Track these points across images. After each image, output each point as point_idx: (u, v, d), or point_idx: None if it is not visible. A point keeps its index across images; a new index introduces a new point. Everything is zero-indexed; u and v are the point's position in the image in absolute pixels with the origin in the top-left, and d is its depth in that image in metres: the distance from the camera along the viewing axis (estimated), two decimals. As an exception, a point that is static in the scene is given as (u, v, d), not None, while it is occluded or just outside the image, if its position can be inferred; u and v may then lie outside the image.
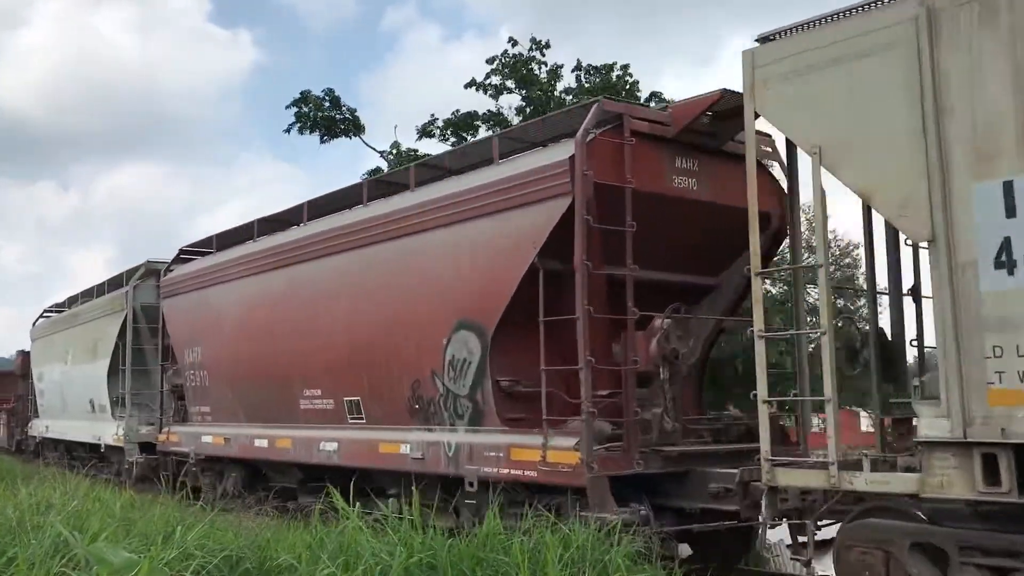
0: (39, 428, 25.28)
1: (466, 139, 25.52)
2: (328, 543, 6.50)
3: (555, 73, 26.01)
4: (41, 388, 25.02)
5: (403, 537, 6.45)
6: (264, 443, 12.69)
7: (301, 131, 26.84)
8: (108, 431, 18.28)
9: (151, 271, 17.63)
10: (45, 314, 25.91)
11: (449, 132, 26.60)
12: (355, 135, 27.28)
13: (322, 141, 27.22)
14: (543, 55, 26.00)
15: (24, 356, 29.79)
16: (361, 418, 10.93)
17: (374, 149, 27.69)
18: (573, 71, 26.05)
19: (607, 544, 6.64)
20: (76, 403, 20.88)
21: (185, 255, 15.96)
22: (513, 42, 26.04)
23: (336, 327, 11.26)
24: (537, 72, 25.98)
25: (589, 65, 25.87)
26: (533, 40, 26.07)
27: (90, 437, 19.75)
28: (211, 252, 15.02)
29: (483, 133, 25.82)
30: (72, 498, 8.57)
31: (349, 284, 11.17)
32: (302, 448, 11.83)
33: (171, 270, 16.12)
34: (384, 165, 26.92)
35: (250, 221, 13.96)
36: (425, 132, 26.81)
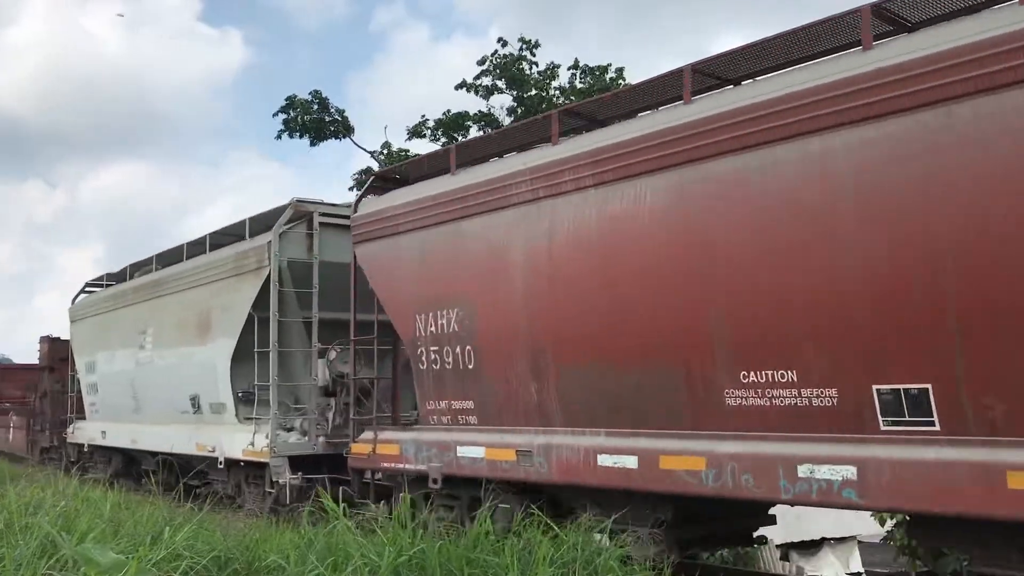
0: (87, 434, 19.64)
1: (456, 139, 25.51)
2: (316, 543, 6.50)
3: (550, 73, 25.98)
4: (92, 382, 19.21)
5: (392, 537, 6.45)
6: (684, 471, 7.26)
7: (291, 135, 26.76)
8: (234, 440, 13.18)
9: (301, 215, 12.83)
10: (88, 288, 20.54)
11: (440, 133, 26.60)
12: (345, 136, 27.23)
13: (312, 144, 27.17)
14: (533, 55, 26.00)
15: (53, 343, 24.45)
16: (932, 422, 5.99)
17: (364, 149, 27.68)
18: (569, 69, 26.02)
19: (597, 546, 6.66)
20: (164, 401, 15.64)
21: (381, 183, 11.66)
22: (503, 42, 26.03)
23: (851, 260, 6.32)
24: (528, 72, 25.95)
25: (585, 65, 25.86)
26: (522, 40, 26.06)
27: (192, 447, 14.45)
28: (435, 175, 10.36)
29: (474, 133, 25.81)
30: (60, 499, 8.54)
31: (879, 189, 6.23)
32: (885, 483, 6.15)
33: (366, 204, 11.19)
34: (375, 165, 26.89)
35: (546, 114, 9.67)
36: (416, 133, 26.79)
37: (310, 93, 26.64)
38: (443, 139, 26.20)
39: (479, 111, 26.51)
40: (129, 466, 18.38)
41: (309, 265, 12.51)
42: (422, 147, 27.03)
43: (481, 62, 26.03)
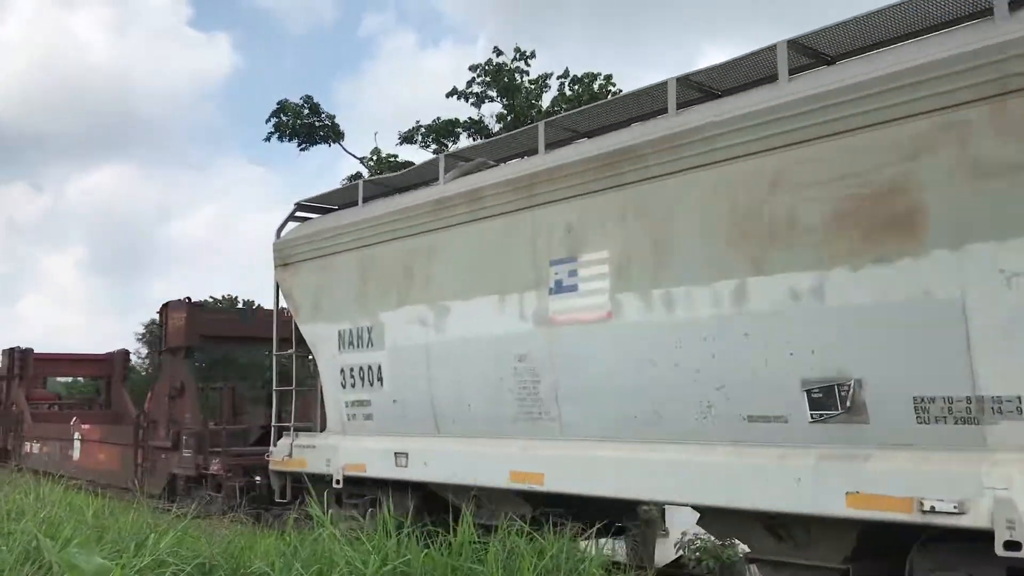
0: (347, 454, 10.25)
1: (447, 146, 25.59)
2: (302, 551, 6.49)
3: (542, 83, 26.09)
4: (373, 363, 10.02)
5: (377, 545, 6.45)
6: None
7: (281, 139, 26.77)
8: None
9: None
10: (299, 214, 11.87)
11: (431, 139, 26.67)
12: (335, 141, 27.25)
13: (301, 149, 27.17)
14: (527, 64, 26.10)
15: (192, 311, 16.08)
16: None
17: (354, 155, 27.71)
18: (557, 78, 26.14)
19: (581, 553, 6.68)
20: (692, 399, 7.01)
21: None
22: (498, 51, 26.12)
23: None
24: (519, 81, 26.03)
25: (574, 76, 25.97)
26: (517, 50, 26.16)
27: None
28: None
29: (464, 141, 25.90)
30: (44, 504, 8.49)
31: None
32: None
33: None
34: (364, 170, 26.92)
35: None
36: (408, 139, 26.83)
37: (301, 98, 26.71)
38: (433, 146, 26.33)
39: (469, 118, 26.62)
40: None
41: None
42: (413, 153, 27.18)
43: (473, 68, 26.14)
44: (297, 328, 11.37)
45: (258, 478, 13.55)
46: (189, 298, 16.35)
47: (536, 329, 8.07)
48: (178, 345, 16.27)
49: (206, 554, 6.43)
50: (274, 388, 12.16)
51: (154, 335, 16.91)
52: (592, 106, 8.89)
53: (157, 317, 18.23)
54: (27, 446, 22.85)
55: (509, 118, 25.63)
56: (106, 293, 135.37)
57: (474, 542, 6.69)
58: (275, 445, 11.47)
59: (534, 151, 8.72)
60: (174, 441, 15.73)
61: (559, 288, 7.87)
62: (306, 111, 26.52)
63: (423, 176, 10.37)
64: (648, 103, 7.97)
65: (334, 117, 26.97)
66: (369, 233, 10.15)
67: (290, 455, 11.07)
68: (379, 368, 9.86)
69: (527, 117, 24.40)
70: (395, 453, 9.48)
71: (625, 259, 7.35)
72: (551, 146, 8.53)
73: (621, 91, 25.22)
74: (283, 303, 11.70)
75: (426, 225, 9.34)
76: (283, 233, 11.76)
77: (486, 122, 26.47)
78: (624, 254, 7.37)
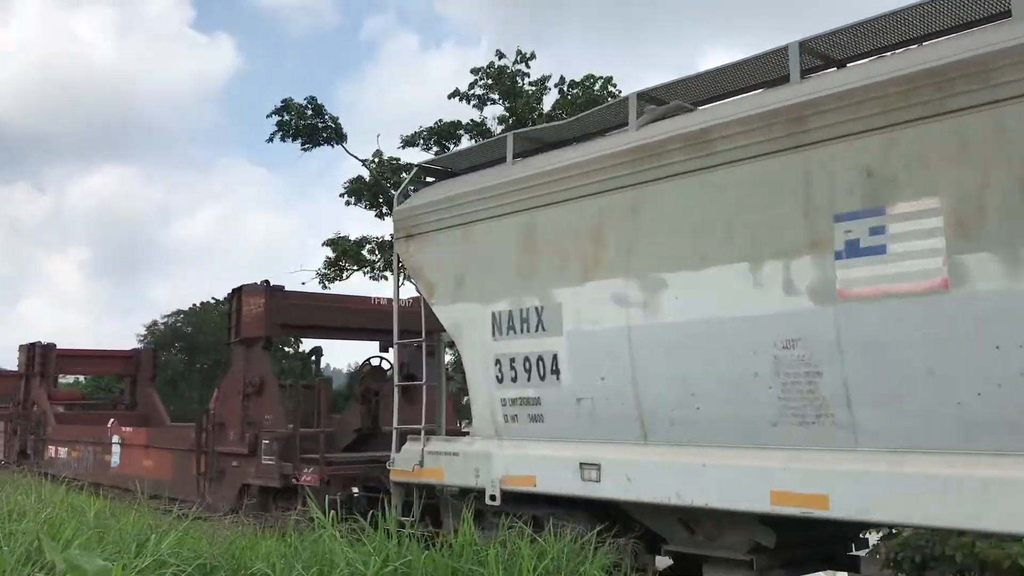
0: (505, 464, 8.44)
1: (448, 148, 25.64)
2: (302, 552, 6.50)
3: (540, 88, 26.18)
4: (545, 352, 8.13)
5: (378, 546, 6.46)
6: None
7: (283, 139, 26.79)
8: None
9: None
10: (429, 171, 10.50)
11: (432, 141, 26.73)
12: (337, 143, 27.28)
13: (304, 149, 27.20)
14: (528, 67, 26.19)
15: (272, 296, 13.80)
16: None
17: (356, 157, 27.73)
18: (556, 85, 26.21)
19: (583, 555, 6.68)
20: None
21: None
22: (500, 54, 26.19)
23: None
24: (520, 84, 26.12)
25: (572, 81, 26.07)
26: (519, 52, 26.23)
27: None
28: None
29: (465, 143, 25.92)
30: (46, 505, 8.50)
31: None
32: None
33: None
34: (366, 173, 26.96)
35: None
36: (410, 142, 26.89)
37: (305, 98, 26.76)
38: (435, 148, 26.40)
39: (471, 120, 26.69)
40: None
41: None
42: (415, 156, 27.20)
43: (475, 71, 26.21)
44: (426, 312, 9.61)
45: (355, 490, 11.72)
46: (267, 281, 14.07)
47: (814, 306, 6.17)
48: (255, 335, 13.79)
49: (207, 555, 6.44)
50: (396, 383, 10.13)
51: (226, 322, 15.19)
52: (900, 8, 6.56)
53: (229, 304, 15.20)
54: (51, 450, 20.60)
55: (511, 120, 25.70)
56: (107, 294, 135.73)
57: (475, 544, 6.70)
58: (397, 451, 9.64)
59: (781, 79, 6.96)
60: (251, 446, 13.15)
61: (853, 251, 5.97)
62: (310, 112, 26.56)
63: (600, 124, 8.81)
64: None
65: (337, 119, 27.03)
66: (535, 193, 8.30)
67: (421, 463, 9.27)
68: (554, 358, 7.95)
69: (528, 120, 24.47)
70: (581, 464, 7.57)
71: (970, 207, 5.52)
72: (808, 73, 6.79)
73: (621, 92, 25.31)
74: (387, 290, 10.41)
75: (622, 179, 7.45)
76: (406, 201, 10.01)
77: (488, 124, 26.57)
78: (968, 201, 5.54)
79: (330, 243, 27.45)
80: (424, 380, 9.93)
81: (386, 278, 27.58)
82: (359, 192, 27.04)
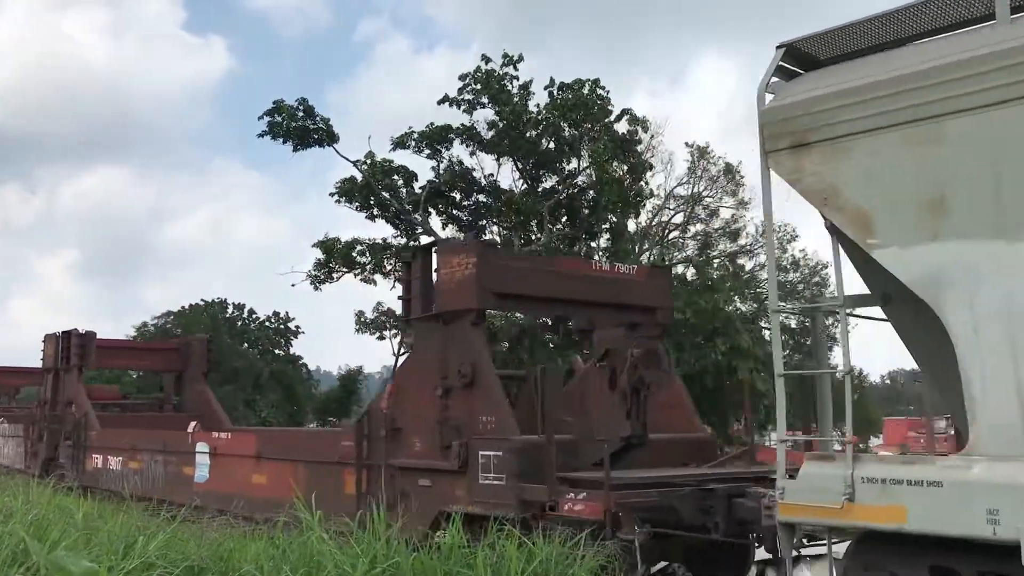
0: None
1: (441, 151, 25.75)
2: (290, 553, 6.50)
3: (526, 90, 26.33)
4: None
5: (366, 548, 6.46)
6: None
7: (274, 139, 26.84)
8: None
9: None
10: (797, 53, 6.89)
11: (424, 144, 26.85)
12: (328, 144, 27.31)
13: (295, 150, 27.24)
14: (516, 69, 26.32)
15: (486, 249, 10.23)
16: None
17: (347, 159, 27.75)
18: (545, 88, 26.37)
19: (571, 558, 6.69)
20: None
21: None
22: (486, 59, 26.33)
23: None
24: (509, 87, 26.25)
25: (562, 83, 26.21)
26: (505, 55, 26.36)
27: None
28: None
29: (457, 147, 26.13)
30: (33, 506, 8.46)
31: None
32: None
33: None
34: (358, 174, 26.99)
35: None
36: (400, 144, 26.99)
37: (296, 100, 26.82)
38: (427, 151, 26.53)
39: (462, 124, 26.82)
40: None
41: None
42: (406, 158, 27.28)
43: (463, 77, 26.35)
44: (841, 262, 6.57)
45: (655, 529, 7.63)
46: (478, 231, 10.92)
47: None
48: (461, 307, 9.81)
49: (195, 557, 6.44)
50: (777, 373, 6.76)
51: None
52: None
53: (401, 271, 11.30)
54: (95, 459, 16.85)
55: (501, 125, 25.88)
56: (98, 296, 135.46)
57: (462, 546, 6.70)
58: (787, 476, 6.47)
59: None
60: (461, 460, 9.33)
61: None
62: (300, 113, 26.61)
63: None
64: None
65: (328, 120, 27.08)
66: None
67: (851, 497, 6.02)
68: None
69: (519, 123, 24.59)
70: None
71: None
72: None
73: (609, 93, 25.57)
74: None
75: None
76: (776, 96, 6.78)
77: (478, 128, 26.75)
78: None
79: (320, 245, 27.51)
80: (818, 366, 7.38)
81: (375, 282, 27.68)
82: (350, 193, 27.12)
